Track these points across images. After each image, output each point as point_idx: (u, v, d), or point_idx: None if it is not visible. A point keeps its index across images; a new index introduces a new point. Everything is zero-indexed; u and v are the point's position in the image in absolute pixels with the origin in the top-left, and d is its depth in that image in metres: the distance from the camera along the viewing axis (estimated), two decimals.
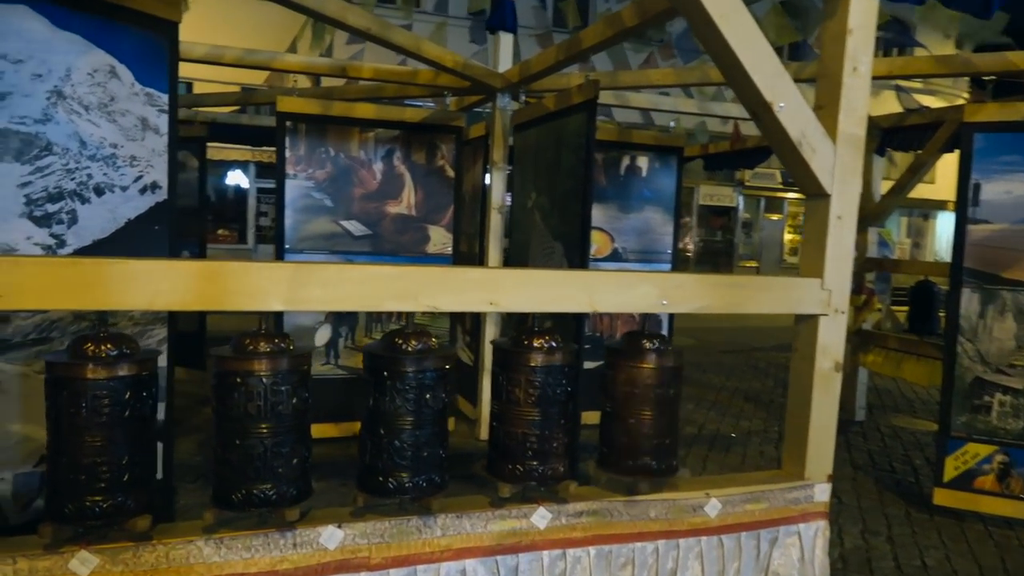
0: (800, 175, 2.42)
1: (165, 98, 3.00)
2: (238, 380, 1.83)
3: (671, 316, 5.98)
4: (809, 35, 6.35)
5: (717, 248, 22.85)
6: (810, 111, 2.33)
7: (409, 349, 2.02)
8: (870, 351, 6.30)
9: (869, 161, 6.43)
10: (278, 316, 5.10)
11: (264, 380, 1.84)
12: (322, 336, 5.18)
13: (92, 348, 1.74)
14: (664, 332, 5.99)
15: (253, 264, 1.79)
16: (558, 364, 2.15)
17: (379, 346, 2.08)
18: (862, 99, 2.40)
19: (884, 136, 6.32)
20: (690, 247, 22.24)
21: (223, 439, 1.87)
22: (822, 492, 2.47)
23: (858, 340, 6.42)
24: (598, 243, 5.89)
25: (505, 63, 5.21)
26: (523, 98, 5.26)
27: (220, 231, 19.27)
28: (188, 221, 7.04)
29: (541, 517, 2.14)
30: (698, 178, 20.89)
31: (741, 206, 22.98)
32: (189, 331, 6.87)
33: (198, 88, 12.19)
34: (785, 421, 2.56)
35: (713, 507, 2.34)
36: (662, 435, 2.30)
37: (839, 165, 2.38)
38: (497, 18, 5.35)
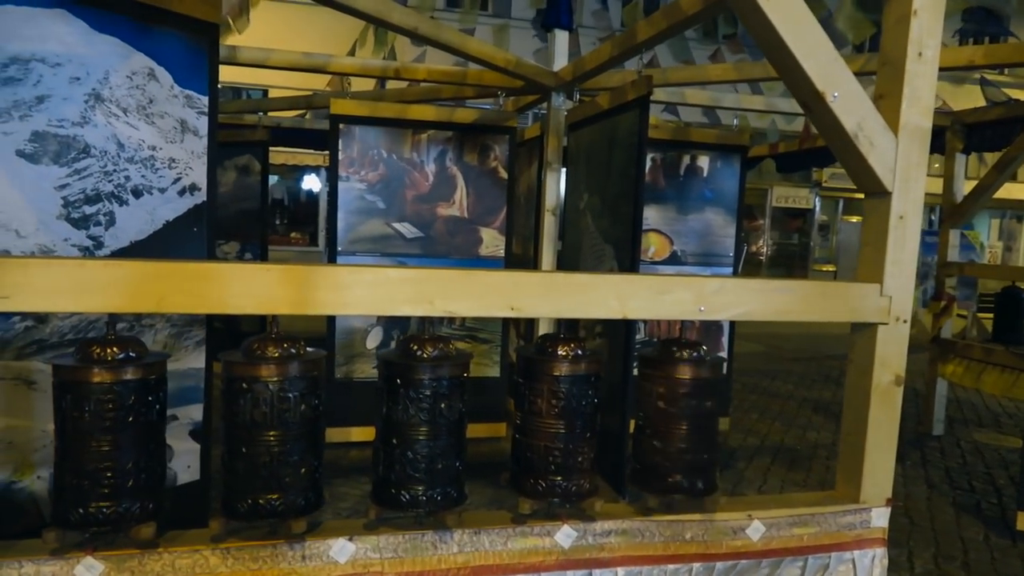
0: (857, 171, 2.22)
1: (205, 100, 3.00)
2: (244, 386, 1.77)
3: (731, 321, 5.74)
4: None
5: (791, 251, 22.14)
6: (868, 101, 2.14)
7: (424, 356, 1.92)
8: (949, 361, 5.90)
9: (952, 158, 6.04)
10: (330, 319, 5.11)
11: (271, 386, 1.77)
12: (373, 339, 5.16)
13: (98, 351, 1.71)
14: (725, 338, 5.75)
15: (258, 266, 1.73)
16: (584, 373, 2.02)
17: (393, 352, 1.99)
18: (928, 87, 2.18)
19: (969, 134, 5.92)
20: (763, 250, 21.61)
21: (230, 446, 1.81)
22: (880, 517, 2.26)
23: (937, 349, 6.04)
24: (656, 245, 5.70)
25: (561, 61, 5.08)
26: (578, 97, 5.12)
27: (292, 234, 19.77)
28: (250, 224, 7.17)
29: (566, 535, 2.02)
30: (772, 179, 20.26)
31: (817, 208, 22.19)
32: (252, 332, 6.96)
33: (273, 95, 12.48)
34: (840, 439, 2.36)
35: (756, 530, 2.17)
36: (698, 450, 2.13)
37: (901, 160, 2.17)
38: (552, 16, 5.25)
